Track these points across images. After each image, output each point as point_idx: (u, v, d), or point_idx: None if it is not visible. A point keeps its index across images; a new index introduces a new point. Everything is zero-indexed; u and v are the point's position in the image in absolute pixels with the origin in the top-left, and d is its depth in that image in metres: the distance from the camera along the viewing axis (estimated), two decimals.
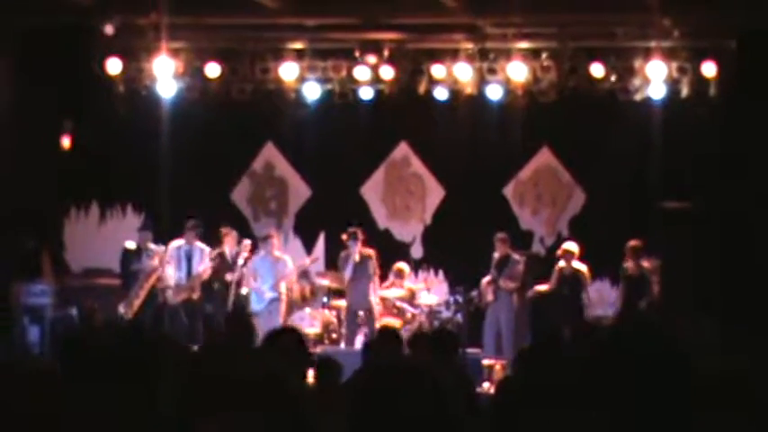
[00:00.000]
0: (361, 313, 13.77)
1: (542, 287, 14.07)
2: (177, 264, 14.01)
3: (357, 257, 13.67)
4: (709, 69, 12.95)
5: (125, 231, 15.33)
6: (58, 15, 13.03)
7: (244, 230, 14.99)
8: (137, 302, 13.71)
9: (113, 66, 13.91)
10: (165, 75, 13.91)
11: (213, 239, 14.34)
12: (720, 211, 11.54)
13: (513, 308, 14.05)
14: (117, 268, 14.35)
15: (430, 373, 4.02)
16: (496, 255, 14.15)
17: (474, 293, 14.38)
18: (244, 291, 13.98)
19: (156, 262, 13.80)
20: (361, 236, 13.92)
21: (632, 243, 13.75)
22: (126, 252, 14.05)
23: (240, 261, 13.91)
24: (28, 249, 14.27)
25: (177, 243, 14.10)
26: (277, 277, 14.00)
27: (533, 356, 5.78)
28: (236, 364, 5.20)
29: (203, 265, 14.03)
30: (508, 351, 13.24)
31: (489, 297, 14.11)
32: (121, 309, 13.70)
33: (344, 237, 13.87)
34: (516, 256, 14.19)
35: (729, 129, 12.47)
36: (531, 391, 5.53)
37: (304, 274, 15.09)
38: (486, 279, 14.17)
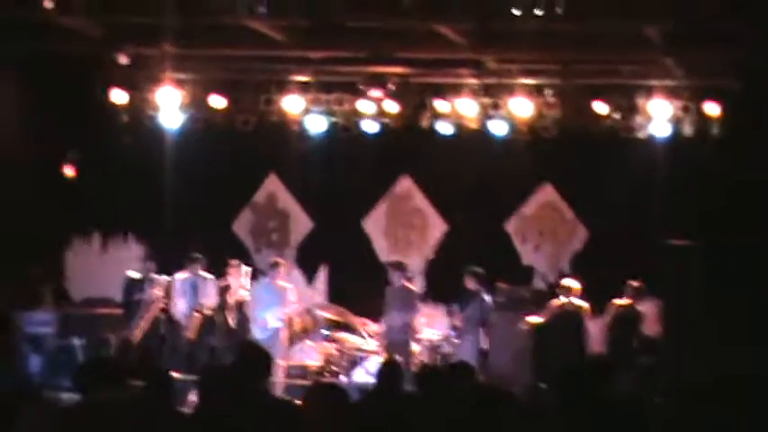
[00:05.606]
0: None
1: (537, 319, 13.96)
2: (184, 296, 13.99)
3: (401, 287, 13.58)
4: (711, 109, 13.02)
5: (127, 261, 15.30)
6: (65, 45, 13.07)
7: (245, 262, 14.95)
8: (138, 332, 13.68)
9: (118, 96, 13.96)
10: (170, 105, 13.95)
11: (215, 270, 14.31)
12: (726, 248, 11.51)
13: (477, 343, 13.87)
14: (118, 297, 14.32)
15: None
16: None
17: None
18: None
19: (158, 291, 13.78)
20: (406, 269, 13.97)
21: (634, 283, 13.70)
22: (129, 281, 14.02)
23: (243, 289, 13.90)
24: (30, 278, 14.25)
25: (182, 275, 14.07)
26: (282, 305, 13.90)
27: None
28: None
29: (210, 296, 14.00)
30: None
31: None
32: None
33: (391, 268, 13.85)
34: (486, 297, 13.95)
35: (733, 168, 12.47)
36: None
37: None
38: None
